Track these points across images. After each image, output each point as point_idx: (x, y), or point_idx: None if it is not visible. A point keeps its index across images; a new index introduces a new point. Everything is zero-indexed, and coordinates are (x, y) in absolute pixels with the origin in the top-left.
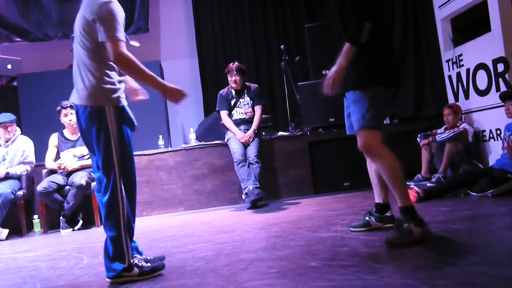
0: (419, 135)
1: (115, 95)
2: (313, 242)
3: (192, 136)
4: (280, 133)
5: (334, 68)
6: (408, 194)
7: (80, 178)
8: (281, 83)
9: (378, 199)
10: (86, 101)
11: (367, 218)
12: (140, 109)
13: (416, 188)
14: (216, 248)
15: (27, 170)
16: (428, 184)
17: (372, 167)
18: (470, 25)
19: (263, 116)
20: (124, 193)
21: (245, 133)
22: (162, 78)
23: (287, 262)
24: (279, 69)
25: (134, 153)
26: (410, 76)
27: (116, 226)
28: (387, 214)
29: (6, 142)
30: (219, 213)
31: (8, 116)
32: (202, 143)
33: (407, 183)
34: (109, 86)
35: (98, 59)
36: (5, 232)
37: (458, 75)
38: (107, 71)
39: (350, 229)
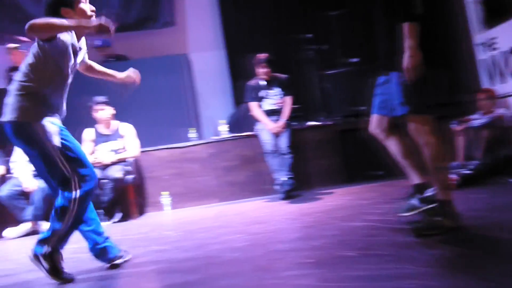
0: (453, 121)
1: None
2: (347, 232)
3: (222, 128)
4: (311, 122)
5: (407, 54)
6: (448, 187)
7: (116, 172)
8: (309, 72)
9: (415, 180)
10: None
11: (411, 201)
12: (170, 103)
13: (452, 175)
14: (252, 238)
15: None
16: (464, 171)
17: (394, 149)
18: (502, 6)
19: (293, 106)
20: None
21: (276, 123)
22: (190, 71)
23: (323, 252)
24: (307, 58)
25: (167, 146)
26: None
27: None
28: (429, 193)
29: None
30: (252, 204)
31: None
32: (233, 134)
33: None
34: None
35: None
36: (48, 225)
37: (493, 58)
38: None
39: (400, 214)
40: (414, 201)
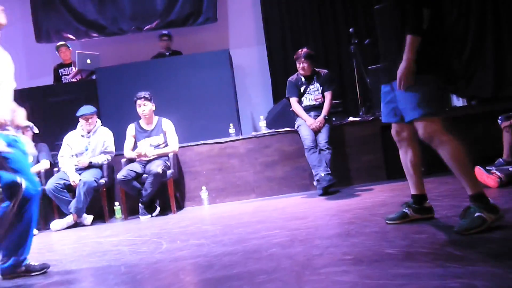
0: (500, 117)
1: None
2: (388, 229)
3: (262, 123)
4: (351, 118)
5: (403, 65)
6: (477, 180)
7: (156, 167)
8: (350, 67)
9: (414, 190)
10: None
11: (404, 209)
12: (210, 98)
13: (498, 173)
14: (290, 234)
15: (108, 160)
16: (511, 169)
17: (406, 157)
18: None
19: (333, 101)
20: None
21: (316, 119)
22: (231, 66)
23: (363, 249)
24: (348, 53)
25: (207, 141)
26: (489, 53)
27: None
28: (425, 205)
29: (88, 133)
30: (291, 200)
31: (89, 109)
32: (273, 130)
33: (488, 167)
34: None
35: None
36: (90, 218)
37: None
38: None
39: (387, 221)
40: (408, 210)
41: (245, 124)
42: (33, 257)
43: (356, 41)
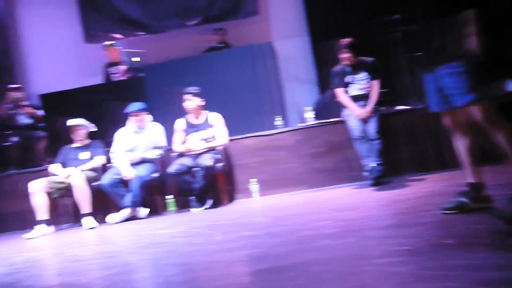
0: None
1: None
2: (445, 219)
3: (308, 115)
4: (400, 107)
5: (470, 39)
6: None
7: (206, 160)
8: (397, 55)
9: (471, 178)
10: None
11: (461, 199)
12: (256, 91)
13: None
14: (342, 225)
15: (159, 154)
16: None
17: (461, 145)
18: None
19: (381, 90)
20: None
21: (363, 109)
22: (275, 59)
23: (419, 240)
24: (395, 40)
25: (254, 134)
26: None
27: None
28: (483, 194)
29: (139, 129)
30: (341, 191)
31: (137, 106)
32: (320, 121)
33: None
34: None
35: None
36: (144, 211)
37: None
38: None
39: (443, 211)
40: (465, 199)
41: (291, 116)
42: (91, 249)
43: (402, 28)
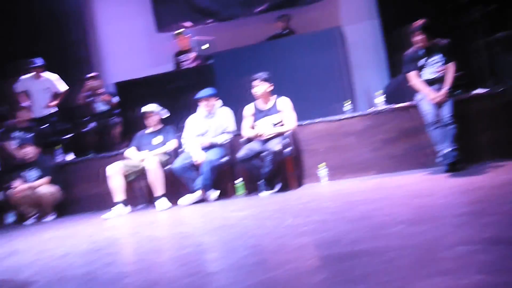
0: None
1: None
2: None
3: (379, 100)
4: (477, 91)
5: None
6: None
7: (275, 145)
8: (475, 36)
9: None
10: None
11: None
12: (324, 76)
13: None
14: (416, 211)
15: (229, 139)
16: None
17: None
18: None
19: (456, 73)
20: None
21: (437, 93)
22: (344, 43)
23: (500, 228)
24: (472, 21)
25: (323, 119)
26: None
27: None
28: None
29: (209, 114)
30: (413, 177)
31: (206, 91)
32: (390, 106)
33: None
34: None
35: None
36: (214, 194)
37: None
38: None
39: None
40: None
41: (361, 101)
42: (165, 229)
43: (480, 7)
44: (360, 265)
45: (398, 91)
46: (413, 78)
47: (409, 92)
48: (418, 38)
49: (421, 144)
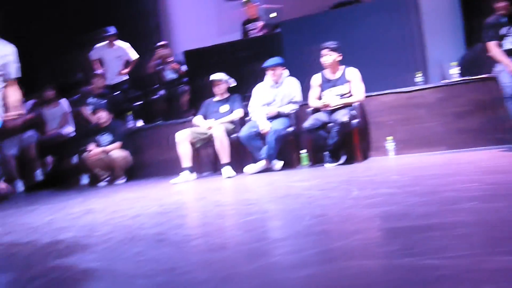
0: None
1: None
2: None
3: (453, 71)
4: None
5: None
6: None
7: (342, 116)
8: None
9: None
10: None
11: None
12: (395, 45)
13: None
14: (490, 188)
15: (295, 109)
16: None
17: None
18: None
19: None
20: None
21: None
22: (417, 10)
23: None
24: None
25: (393, 90)
26: None
27: None
28: None
29: (276, 84)
30: (487, 153)
31: (274, 60)
32: (466, 78)
33: None
34: None
35: None
36: (279, 163)
37: None
38: None
39: None
40: None
41: (433, 72)
42: (231, 196)
43: None
44: (431, 239)
45: (475, 62)
46: (493, 48)
47: (488, 63)
48: (501, 4)
49: (498, 118)
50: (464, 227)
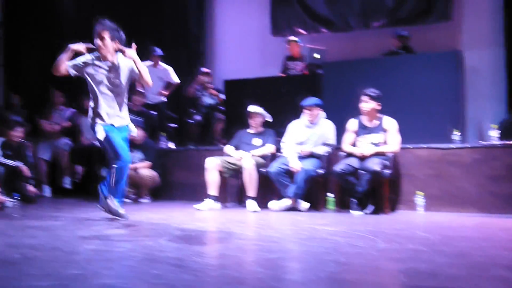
0: None
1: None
2: None
3: (493, 133)
4: None
5: None
6: None
7: (374, 164)
8: None
9: None
10: None
11: None
12: (435, 100)
13: None
14: None
15: (328, 151)
16: None
17: None
18: None
19: None
20: None
21: None
22: (461, 68)
23: None
24: None
25: (428, 145)
26: None
27: None
28: None
29: (311, 123)
30: None
31: (313, 100)
32: (505, 142)
33: None
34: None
35: None
36: (305, 204)
37: None
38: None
39: None
40: None
41: (471, 131)
42: (254, 231)
43: None
44: None
45: None
46: None
47: None
48: None
49: None
50: None
